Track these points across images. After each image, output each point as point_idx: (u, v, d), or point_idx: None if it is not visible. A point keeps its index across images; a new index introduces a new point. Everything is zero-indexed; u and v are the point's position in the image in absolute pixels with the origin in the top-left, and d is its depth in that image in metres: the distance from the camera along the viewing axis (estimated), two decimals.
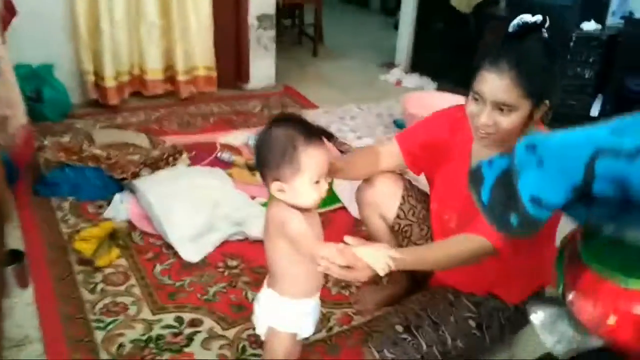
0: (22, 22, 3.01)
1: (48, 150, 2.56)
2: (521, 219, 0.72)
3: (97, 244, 2.04)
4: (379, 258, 1.24)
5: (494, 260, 1.52)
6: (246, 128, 3.25)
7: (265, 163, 1.27)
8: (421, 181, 1.83)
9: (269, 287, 1.39)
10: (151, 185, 2.39)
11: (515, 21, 1.36)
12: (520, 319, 1.69)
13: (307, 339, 1.65)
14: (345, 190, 2.52)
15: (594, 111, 3.19)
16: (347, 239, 1.28)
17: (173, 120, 3.33)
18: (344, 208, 2.52)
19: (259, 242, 2.18)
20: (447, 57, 4.01)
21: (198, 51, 3.63)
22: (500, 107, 1.38)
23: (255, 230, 2.22)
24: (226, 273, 2.04)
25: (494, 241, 1.39)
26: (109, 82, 3.38)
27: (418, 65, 4.45)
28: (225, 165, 2.78)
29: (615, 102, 3.12)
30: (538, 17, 1.37)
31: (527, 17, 1.35)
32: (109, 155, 2.49)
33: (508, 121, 1.39)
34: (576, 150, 0.63)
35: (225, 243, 2.19)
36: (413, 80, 4.31)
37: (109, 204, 2.37)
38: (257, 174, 2.72)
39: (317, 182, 1.25)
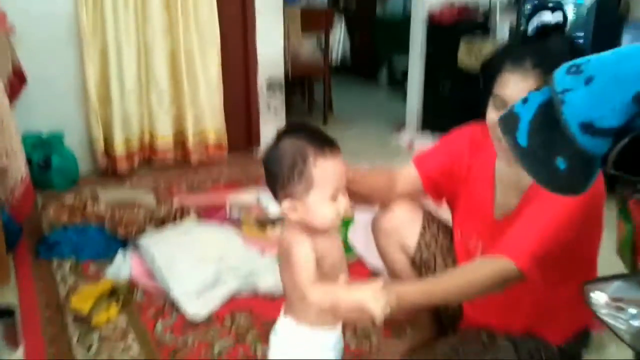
0: (32, 89, 3.06)
1: (51, 210, 2.47)
2: (570, 161, 0.59)
3: (95, 302, 1.90)
4: (372, 299, 1.06)
5: (528, 293, 1.35)
6: (256, 187, 3.16)
7: (274, 180, 1.13)
8: (441, 214, 1.69)
9: (286, 315, 1.23)
10: (155, 240, 2.28)
11: (535, 22, 1.28)
12: None
13: None
14: (359, 238, 2.37)
15: None
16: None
17: (182, 184, 3.26)
18: (359, 261, 2.36)
19: (270, 297, 2.04)
20: (457, 115, 3.95)
21: (208, 115, 3.62)
22: None
23: (265, 284, 2.07)
24: (233, 328, 1.87)
25: (518, 261, 1.20)
26: (119, 150, 3.35)
27: (428, 126, 4.40)
28: (234, 222, 2.66)
29: None
30: (558, 17, 1.29)
31: (547, 17, 1.27)
32: (113, 213, 2.39)
33: None
34: (635, 58, 0.51)
35: (233, 299, 2.03)
36: (424, 141, 4.25)
37: (111, 263, 2.24)
38: (268, 230, 2.64)
39: (334, 197, 1.12)
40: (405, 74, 4.87)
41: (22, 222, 2.19)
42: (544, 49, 1.24)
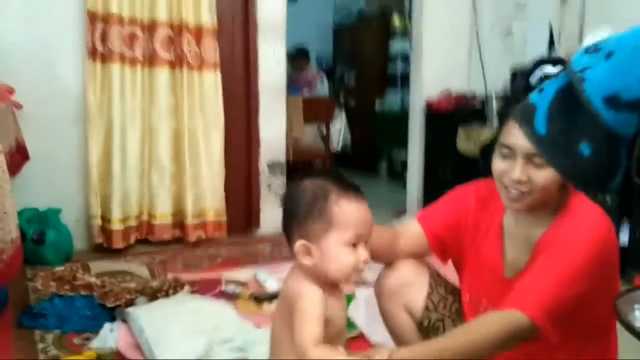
0: (33, 164, 3.07)
1: (39, 279, 2.38)
2: (595, 144, 0.55)
3: None
4: None
5: (544, 351, 1.26)
6: (254, 265, 3.07)
7: (290, 218, 1.07)
8: (447, 274, 1.61)
9: None
10: (146, 310, 2.17)
11: (537, 74, 1.29)
12: None
13: None
14: (361, 314, 2.26)
15: (623, 238, 3.01)
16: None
17: (178, 262, 3.17)
18: (361, 335, 2.23)
19: None
20: None
21: (208, 195, 3.61)
22: (534, 159, 1.23)
23: (260, 356, 1.93)
24: None
25: (530, 313, 1.13)
26: (116, 225, 3.30)
27: None
28: (230, 297, 2.55)
29: None
30: (560, 69, 1.30)
31: (549, 69, 1.29)
32: (104, 282, 2.31)
33: (543, 175, 1.23)
34: None
35: None
36: None
37: (97, 336, 2.11)
38: (264, 305, 2.52)
39: (355, 245, 1.04)
40: (404, 166, 4.93)
41: (8, 284, 2.10)
42: None
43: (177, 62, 3.45)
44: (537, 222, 1.33)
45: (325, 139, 4.95)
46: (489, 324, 1.16)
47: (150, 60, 3.40)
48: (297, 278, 1.07)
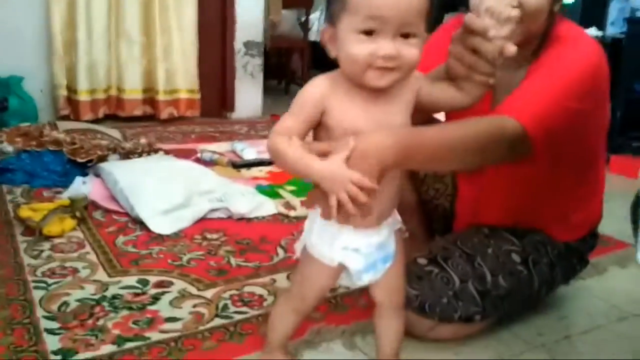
0: None
1: (4, 134, 2.24)
2: None
3: (47, 214, 1.68)
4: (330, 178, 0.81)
5: (534, 179, 1.20)
6: (230, 142, 2.97)
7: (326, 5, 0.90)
8: None
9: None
10: (119, 166, 2.07)
11: None
12: (573, 261, 1.35)
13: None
14: None
15: None
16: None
17: (151, 136, 3.04)
18: None
19: (245, 220, 1.87)
20: None
21: (181, 71, 3.43)
22: None
23: (240, 207, 1.88)
24: (204, 244, 1.68)
25: (524, 121, 1.00)
26: (82, 96, 3.13)
27: None
28: (207, 164, 2.46)
29: (625, 107, 2.94)
30: None
31: None
32: (73, 139, 2.18)
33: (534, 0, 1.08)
34: None
35: (204, 219, 1.84)
36: None
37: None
38: (242, 171, 2.45)
39: (370, 33, 0.81)
40: None
41: None
42: None
43: None
44: (522, 60, 1.17)
45: (304, 27, 4.73)
46: (483, 122, 1.01)
47: None
48: (325, 75, 0.90)
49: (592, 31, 3.07)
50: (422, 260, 1.22)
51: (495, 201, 1.29)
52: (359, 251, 0.93)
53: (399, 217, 1.00)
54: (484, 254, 1.23)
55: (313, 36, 5.17)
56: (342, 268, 0.95)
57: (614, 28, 3.16)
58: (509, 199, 1.27)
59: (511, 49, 0.87)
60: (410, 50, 0.82)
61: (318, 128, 0.90)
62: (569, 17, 3.18)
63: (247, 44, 3.74)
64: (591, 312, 1.42)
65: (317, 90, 0.88)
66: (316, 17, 5.28)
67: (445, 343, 1.21)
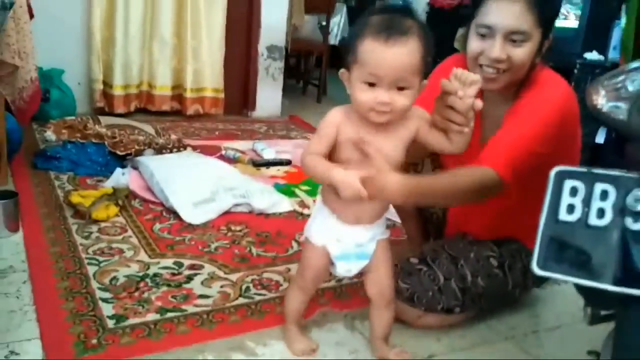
0: (37, 25, 3.08)
1: (51, 126, 2.50)
2: None
3: (94, 200, 1.94)
4: (343, 181, 1.09)
5: (511, 204, 1.42)
6: (251, 140, 3.22)
7: (346, 46, 1.15)
8: None
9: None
10: (154, 160, 2.33)
11: None
12: None
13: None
14: None
15: (600, 139, 3.20)
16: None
17: (178, 131, 3.29)
18: None
19: (264, 215, 2.11)
20: None
21: (207, 72, 3.68)
22: (513, 37, 1.30)
23: (260, 204, 2.13)
24: (229, 234, 1.92)
25: (499, 170, 1.25)
26: (117, 91, 3.39)
27: None
28: (230, 161, 2.71)
29: None
30: None
31: None
32: (114, 133, 2.44)
33: (521, 53, 1.31)
34: None
35: (228, 213, 2.09)
36: None
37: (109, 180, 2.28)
38: (262, 170, 2.69)
39: (372, 84, 1.08)
40: None
41: (27, 124, 2.20)
42: None
43: None
44: (505, 98, 1.41)
45: (324, 31, 4.95)
46: (466, 174, 1.26)
47: None
48: (341, 107, 1.18)
49: (594, 55, 3.27)
50: (414, 260, 1.46)
51: (478, 217, 1.52)
52: (340, 241, 1.23)
53: (387, 230, 1.27)
54: (466, 257, 1.46)
55: (332, 40, 5.40)
56: (327, 250, 1.23)
57: (615, 52, 3.34)
58: (489, 217, 1.50)
59: (478, 104, 1.12)
60: (401, 99, 1.08)
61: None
62: (572, 42, 3.40)
63: (270, 48, 3.98)
64: (560, 312, 1.65)
65: (334, 119, 1.17)
66: (336, 22, 5.51)
67: (430, 330, 1.45)
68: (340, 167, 1.11)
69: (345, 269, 1.26)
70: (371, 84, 1.08)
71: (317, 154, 1.15)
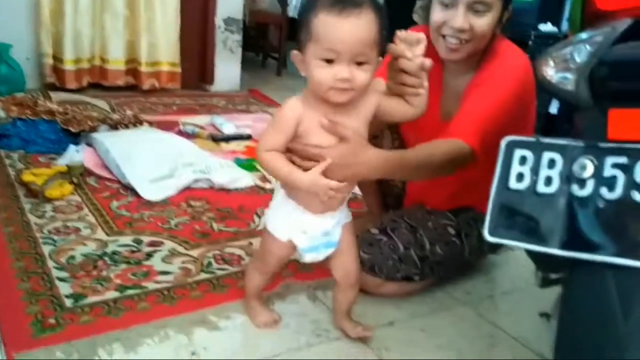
0: None
1: (0, 103, 2.40)
2: None
3: (48, 179, 1.89)
4: (310, 184, 1.08)
5: (468, 174, 1.44)
6: (209, 114, 3.17)
7: (298, 26, 1.07)
8: None
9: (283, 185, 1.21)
10: (109, 136, 2.27)
11: None
12: None
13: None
14: None
15: (553, 109, 3.29)
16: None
17: (134, 107, 3.21)
18: None
19: (225, 190, 2.09)
20: None
21: (163, 45, 3.59)
22: (476, 7, 1.33)
23: (221, 179, 2.11)
24: (189, 210, 1.91)
25: (471, 142, 1.28)
26: (68, 65, 3.28)
27: None
28: (189, 137, 2.67)
29: None
30: None
31: None
32: (66, 109, 2.36)
33: (484, 22, 1.34)
34: None
35: (188, 189, 2.06)
36: None
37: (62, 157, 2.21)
38: (222, 145, 2.67)
39: (330, 61, 1.02)
40: None
41: None
42: None
43: None
44: (466, 69, 1.45)
45: (283, 2, 4.88)
46: (439, 146, 1.28)
47: None
48: (299, 94, 1.11)
49: (548, 27, 3.33)
50: (374, 230, 1.48)
51: (438, 189, 1.55)
52: (306, 233, 1.19)
53: (349, 212, 1.25)
54: (425, 226, 1.49)
55: (291, 12, 5.33)
56: (293, 243, 1.20)
57: (569, 23, 3.42)
58: (448, 188, 1.53)
59: (427, 62, 1.11)
60: (361, 75, 1.04)
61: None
62: (527, 14, 3.45)
63: (227, 21, 3.90)
64: (514, 277, 1.71)
65: (294, 112, 1.10)
66: None
67: (390, 298, 1.48)
68: (298, 171, 1.08)
69: (314, 258, 1.24)
70: (329, 61, 1.02)
71: (276, 151, 1.10)
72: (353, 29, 1.01)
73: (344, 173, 1.11)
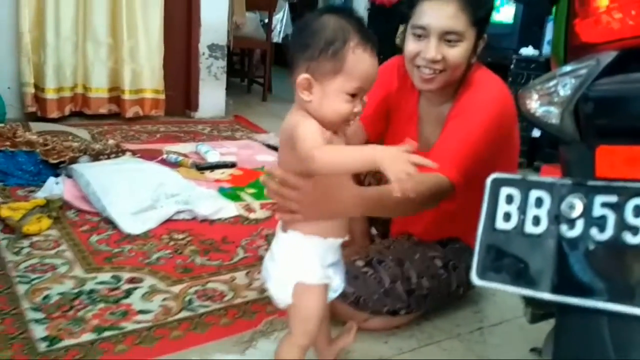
0: None
1: None
2: None
3: (25, 213, 1.83)
4: (387, 157, 0.93)
5: (455, 205, 1.42)
6: (194, 142, 3.14)
7: (301, 49, 1.00)
8: None
9: (288, 229, 1.08)
10: (90, 167, 2.22)
11: None
12: None
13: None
14: None
15: (536, 133, 3.30)
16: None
17: (117, 135, 3.18)
18: None
19: (208, 221, 2.05)
20: None
21: (146, 73, 3.56)
22: (448, 37, 1.32)
23: (204, 210, 2.07)
24: (171, 243, 1.86)
25: (450, 176, 1.26)
26: (50, 94, 3.23)
27: None
28: (172, 165, 2.63)
29: None
30: None
31: None
32: (46, 140, 2.32)
33: (456, 53, 1.33)
34: None
35: (170, 220, 2.02)
36: None
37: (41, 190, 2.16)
38: (206, 174, 2.63)
39: (354, 96, 1.00)
40: None
41: None
42: None
43: None
44: (444, 99, 1.44)
45: (267, 28, 4.90)
46: (422, 182, 1.21)
47: None
48: (296, 113, 1.05)
49: (529, 50, 3.36)
50: (360, 262, 1.44)
51: (423, 219, 1.52)
52: (332, 265, 1.09)
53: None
54: (412, 259, 1.46)
55: (275, 37, 5.35)
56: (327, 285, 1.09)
57: (550, 47, 3.45)
58: (433, 219, 1.51)
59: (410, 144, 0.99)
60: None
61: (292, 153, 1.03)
62: (508, 38, 3.48)
63: (212, 47, 3.89)
64: (502, 307, 1.68)
65: (318, 126, 1.02)
66: (278, 19, 5.46)
67: (377, 332, 1.44)
68: (370, 146, 1.01)
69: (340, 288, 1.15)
70: (353, 95, 1.00)
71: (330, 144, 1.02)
72: (376, 68, 1.02)
73: (320, 210, 1.06)
